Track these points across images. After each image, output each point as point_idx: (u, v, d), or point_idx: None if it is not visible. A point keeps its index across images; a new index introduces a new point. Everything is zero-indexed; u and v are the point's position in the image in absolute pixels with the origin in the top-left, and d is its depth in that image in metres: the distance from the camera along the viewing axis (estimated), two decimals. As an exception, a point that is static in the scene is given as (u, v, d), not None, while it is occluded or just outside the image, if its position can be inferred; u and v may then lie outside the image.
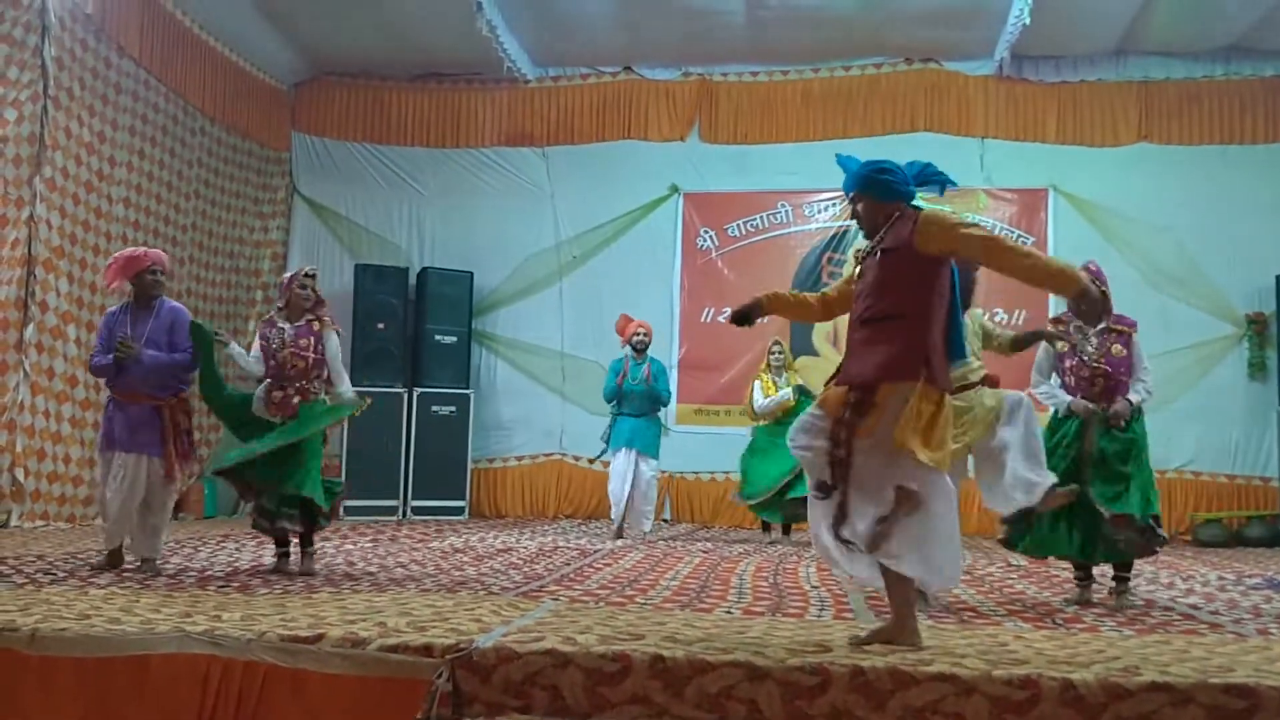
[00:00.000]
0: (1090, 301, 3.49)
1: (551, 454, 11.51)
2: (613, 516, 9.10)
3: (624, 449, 8.96)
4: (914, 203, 3.84)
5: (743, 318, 4.25)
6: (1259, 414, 10.27)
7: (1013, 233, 10.97)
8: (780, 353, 9.16)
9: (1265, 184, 10.52)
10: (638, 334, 9.15)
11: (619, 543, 8.50)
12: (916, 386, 3.55)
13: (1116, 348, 5.45)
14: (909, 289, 3.65)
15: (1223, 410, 10.33)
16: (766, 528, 9.22)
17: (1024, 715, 2.99)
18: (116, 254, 6.00)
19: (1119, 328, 5.51)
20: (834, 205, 11.40)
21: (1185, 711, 2.95)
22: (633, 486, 8.92)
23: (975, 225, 3.67)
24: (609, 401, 9.14)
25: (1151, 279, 10.37)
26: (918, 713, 3.03)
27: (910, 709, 3.04)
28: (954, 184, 3.96)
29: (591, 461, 11.17)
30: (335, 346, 5.95)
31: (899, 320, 3.63)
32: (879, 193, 3.81)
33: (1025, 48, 10.45)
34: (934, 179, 3.89)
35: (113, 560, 5.69)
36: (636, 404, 9.04)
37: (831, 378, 3.83)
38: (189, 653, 3.45)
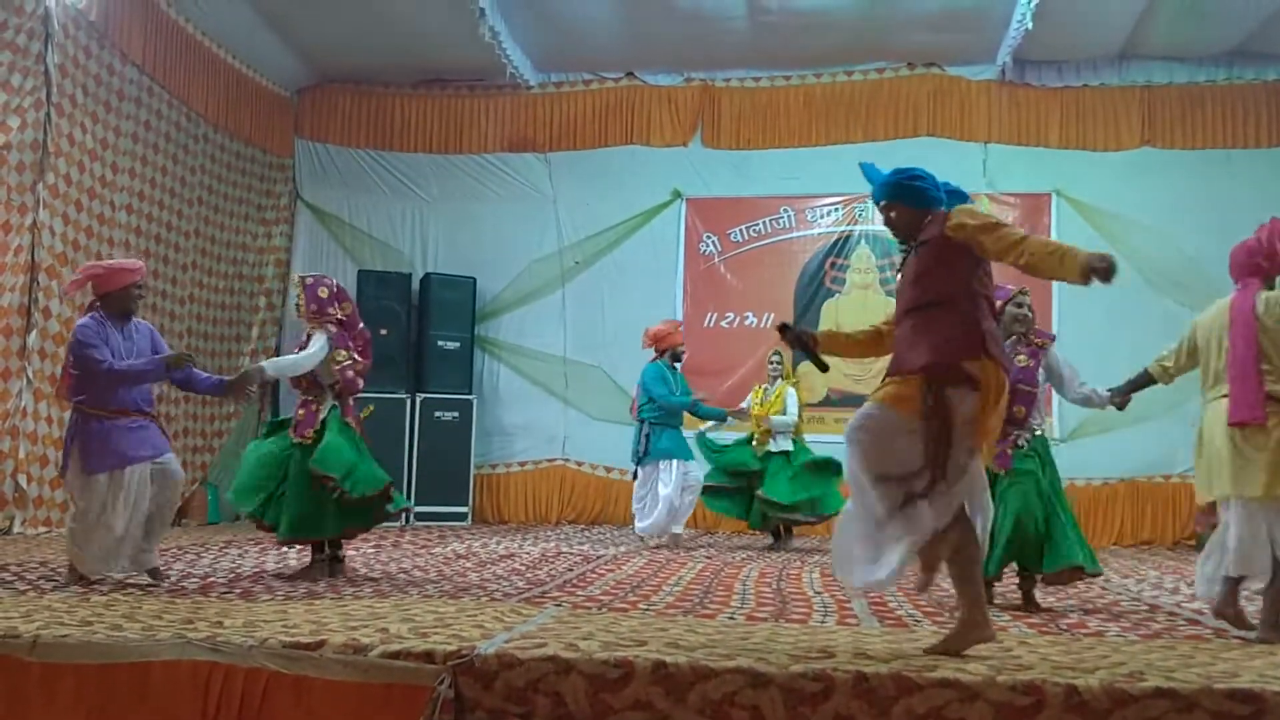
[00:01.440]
0: (1101, 272, 3.34)
1: (554, 460, 11.50)
2: (672, 529, 8.87)
3: (678, 460, 8.80)
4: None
5: (793, 338, 4.11)
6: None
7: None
8: (779, 363, 9.20)
9: (1268, 188, 10.47)
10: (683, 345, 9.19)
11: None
12: (986, 365, 3.55)
13: (1021, 358, 5.40)
14: (949, 276, 3.67)
15: (1228, 415, 10.27)
16: (777, 536, 9.16)
17: (1028, 721, 2.98)
18: (104, 262, 5.79)
19: (1035, 340, 5.49)
20: (837, 210, 11.41)
21: (1190, 717, 2.94)
22: (684, 493, 8.82)
23: (1007, 224, 3.69)
24: (668, 411, 8.89)
25: (1155, 283, 10.35)
26: (921, 719, 3.02)
27: (914, 715, 3.03)
28: (968, 199, 3.97)
29: (603, 469, 11.27)
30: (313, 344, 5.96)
31: (944, 306, 3.64)
32: (912, 199, 3.83)
33: (1028, 52, 10.45)
34: (954, 196, 3.89)
35: (84, 580, 5.34)
36: (679, 415, 9.01)
37: (888, 374, 3.76)
38: (190, 660, 3.44)
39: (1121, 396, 5.38)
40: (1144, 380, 5.34)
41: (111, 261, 5.89)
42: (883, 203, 3.89)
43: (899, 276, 3.87)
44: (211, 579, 5.68)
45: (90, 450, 5.32)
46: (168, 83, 9.74)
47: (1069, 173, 10.93)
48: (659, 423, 8.84)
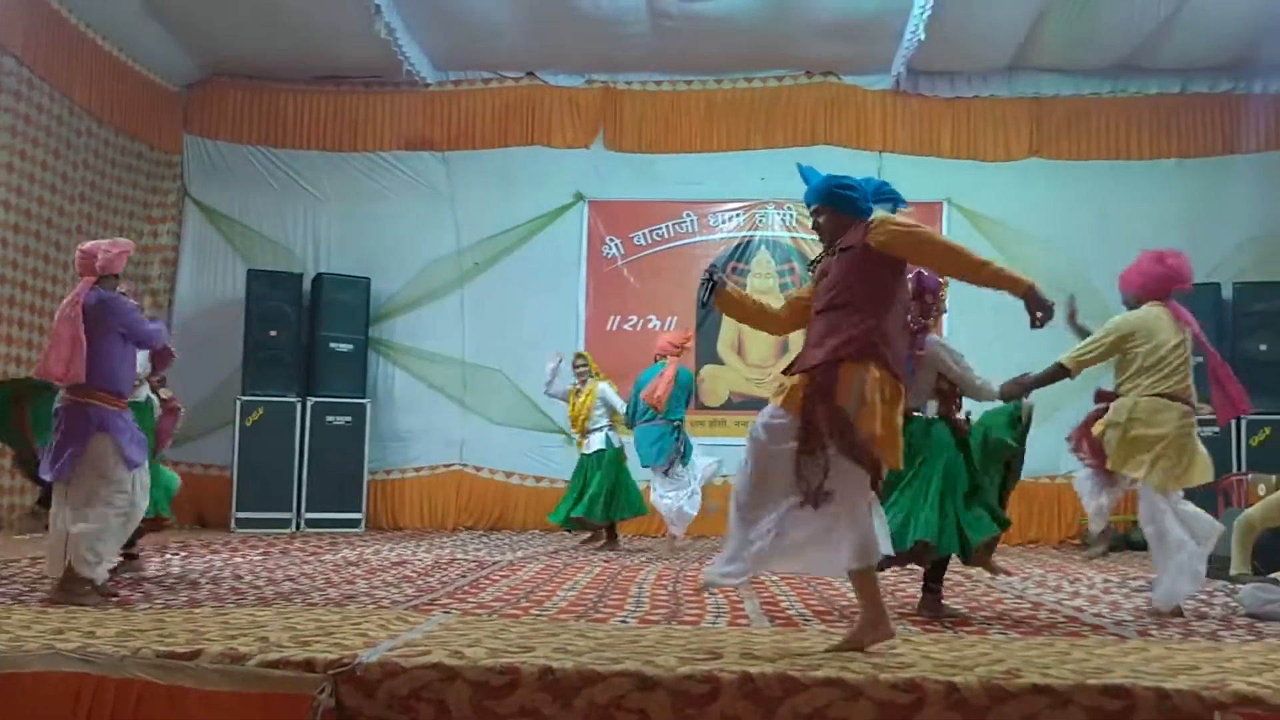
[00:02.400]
0: (1040, 303, 3.60)
1: (452, 465, 11.36)
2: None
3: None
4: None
5: (706, 299, 4.23)
6: (1144, 422, 10.57)
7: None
8: (584, 364, 9.28)
9: (1150, 199, 10.86)
10: None
11: None
12: (873, 369, 3.63)
13: None
14: (862, 283, 3.75)
15: (1110, 417, 10.60)
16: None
17: (909, 719, 3.01)
18: (117, 240, 5.61)
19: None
20: (738, 215, 11.51)
21: (1065, 713, 3.00)
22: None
23: (928, 230, 3.83)
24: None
25: (1044, 290, 10.61)
26: (806, 718, 3.03)
27: (799, 714, 3.04)
28: (903, 203, 4.04)
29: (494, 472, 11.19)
30: None
31: (851, 308, 3.72)
32: (841, 206, 3.91)
33: (921, 63, 10.66)
34: (889, 197, 3.98)
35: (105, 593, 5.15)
36: None
37: (786, 370, 3.89)
38: (60, 671, 3.30)
39: (1024, 391, 5.46)
40: (1057, 374, 5.53)
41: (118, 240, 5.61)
42: (813, 206, 3.97)
43: (816, 276, 3.96)
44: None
45: (135, 436, 5.18)
46: (49, 75, 9.40)
47: (960, 182, 11.18)
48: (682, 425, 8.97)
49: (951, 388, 5.23)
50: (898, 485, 5.09)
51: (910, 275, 5.24)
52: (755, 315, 4.29)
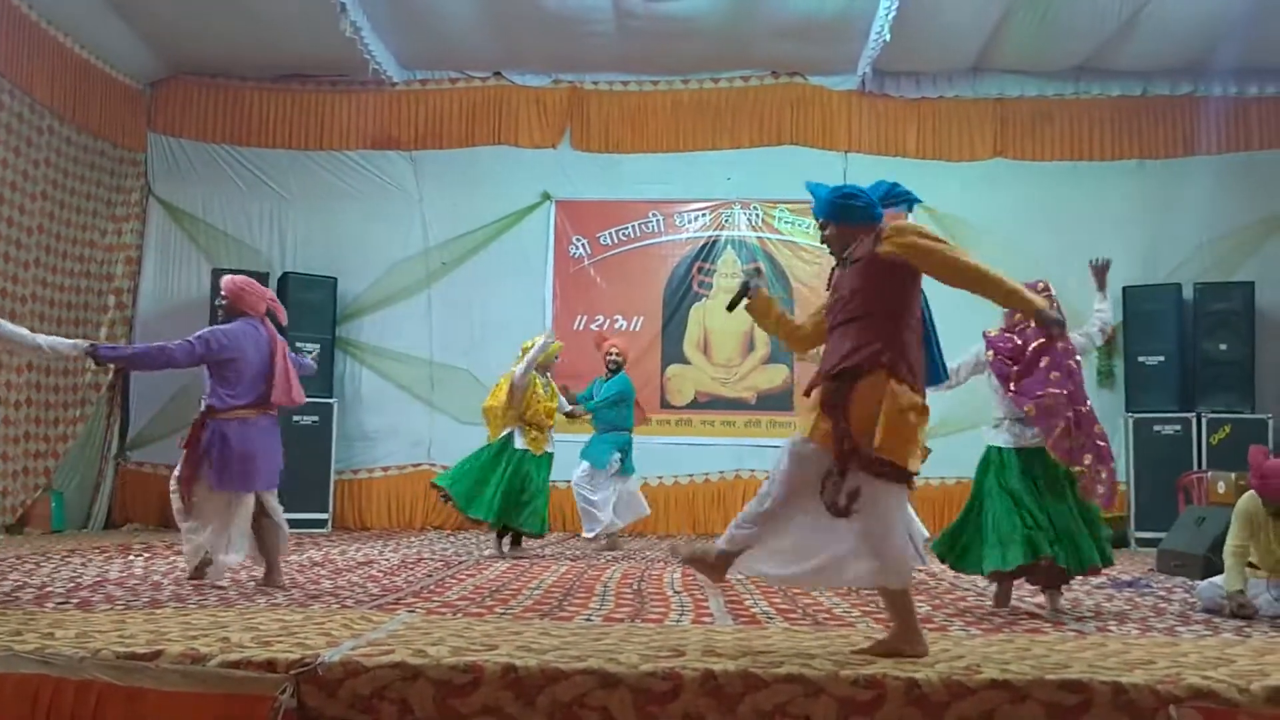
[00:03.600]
0: (1049, 321, 3.63)
1: (419, 464, 11.32)
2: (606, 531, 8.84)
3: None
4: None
5: (734, 303, 4.22)
6: (1107, 420, 10.48)
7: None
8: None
9: (1112, 199, 10.99)
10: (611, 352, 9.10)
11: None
12: (888, 380, 3.58)
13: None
14: (876, 293, 3.70)
15: (1073, 416, 10.70)
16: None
17: (870, 715, 3.04)
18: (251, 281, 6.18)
19: None
20: (704, 215, 11.53)
21: (1023, 708, 3.03)
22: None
23: (938, 238, 3.75)
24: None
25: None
26: (767, 715, 3.05)
27: (760, 712, 3.06)
28: (919, 200, 4.05)
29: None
30: None
31: (866, 319, 3.68)
32: (846, 217, 3.87)
33: (886, 64, 10.73)
34: (901, 198, 3.95)
35: None
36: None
37: (807, 389, 3.85)
38: (17, 673, 3.27)
39: None
40: None
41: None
42: (820, 219, 3.94)
43: (830, 289, 3.92)
44: (49, 589, 5.43)
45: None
46: (9, 71, 9.28)
47: (925, 182, 11.01)
48: (622, 427, 9.00)
49: None
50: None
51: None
52: (780, 327, 4.28)
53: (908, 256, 3.66)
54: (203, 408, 5.83)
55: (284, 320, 6.36)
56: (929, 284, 3.72)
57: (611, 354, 9.06)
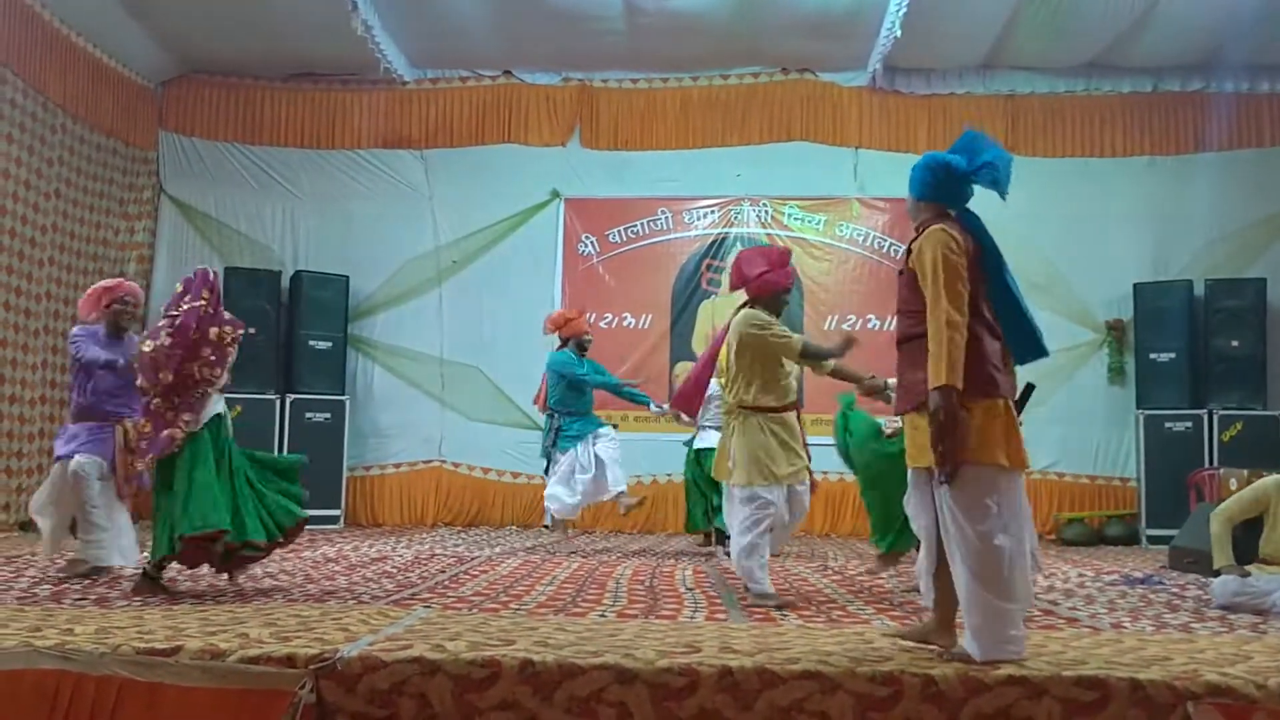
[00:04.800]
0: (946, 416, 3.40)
1: (430, 461, 11.35)
2: (616, 491, 8.65)
3: (590, 436, 8.71)
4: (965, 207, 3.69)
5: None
6: (1118, 417, 10.68)
7: (885, 241, 11.23)
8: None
9: (1123, 196, 10.96)
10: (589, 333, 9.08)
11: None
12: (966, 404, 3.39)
13: None
14: (922, 308, 3.51)
15: (1084, 414, 10.72)
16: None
17: (887, 712, 3.05)
18: (92, 287, 6.23)
19: None
20: (713, 212, 11.53)
21: (1040, 704, 3.04)
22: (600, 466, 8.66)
23: (947, 271, 3.45)
24: (588, 392, 8.85)
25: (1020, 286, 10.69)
26: (784, 712, 3.07)
27: (777, 708, 3.07)
28: (1005, 193, 3.69)
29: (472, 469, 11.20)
30: None
31: (921, 340, 3.48)
32: (913, 188, 3.76)
33: (897, 60, 10.72)
34: (986, 177, 3.67)
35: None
36: (590, 401, 8.94)
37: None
38: (37, 668, 3.30)
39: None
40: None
41: (101, 282, 6.39)
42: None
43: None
44: (66, 586, 5.46)
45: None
46: (22, 71, 9.32)
47: None
48: (570, 412, 8.75)
49: None
50: None
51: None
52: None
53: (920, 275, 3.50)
54: None
55: None
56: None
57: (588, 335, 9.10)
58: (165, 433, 5.13)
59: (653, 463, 10.75)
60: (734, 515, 5.46)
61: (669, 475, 10.58)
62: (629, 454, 9.29)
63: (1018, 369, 3.63)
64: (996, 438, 3.40)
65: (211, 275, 5.62)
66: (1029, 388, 3.61)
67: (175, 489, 5.09)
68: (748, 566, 5.27)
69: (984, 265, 3.57)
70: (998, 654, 3.26)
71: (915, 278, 3.56)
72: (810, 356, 5.53)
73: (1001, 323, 3.55)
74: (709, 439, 8.69)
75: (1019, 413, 3.60)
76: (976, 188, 3.71)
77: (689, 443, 8.92)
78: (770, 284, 5.53)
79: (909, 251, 3.65)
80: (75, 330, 6.40)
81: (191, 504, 5.00)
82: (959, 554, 3.40)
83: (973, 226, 3.66)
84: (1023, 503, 3.54)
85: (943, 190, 3.70)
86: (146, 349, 5.21)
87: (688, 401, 6.00)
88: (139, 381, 5.32)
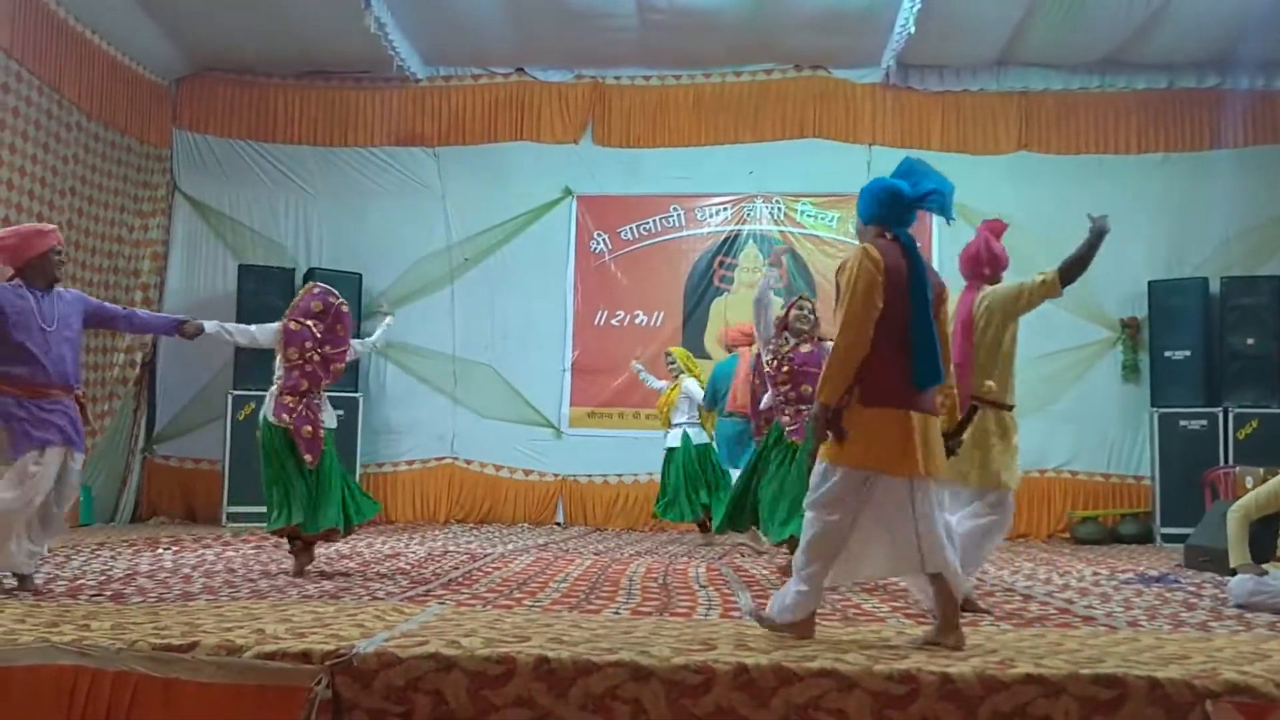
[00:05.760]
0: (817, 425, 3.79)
1: (443, 458, 11.37)
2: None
3: None
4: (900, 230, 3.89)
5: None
6: (1132, 415, 10.63)
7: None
8: (674, 361, 9.49)
9: (1137, 193, 10.90)
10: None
11: None
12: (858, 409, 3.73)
13: (806, 346, 6.42)
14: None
15: (1098, 412, 10.67)
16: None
17: (904, 710, 3.04)
18: (11, 229, 5.42)
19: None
20: (725, 210, 11.51)
21: (1058, 702, 3.03)
22: None
23: (860, 290, 3.69)
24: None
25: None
26: (800, 709, 3.06)
27: (793, 706, 3.06)
28: (950, 218, 3.94)
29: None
30: None
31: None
32: (860, 212, 4.01)
33: (910, 57, 10.68)
34: (933, 204, 3.91)
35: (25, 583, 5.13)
36: None
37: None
38: (54, 664, 3.31)
39: None
40: None
41: (23, 225, 5.48)
42: None
43: None
44: (81, 581, 5.48)
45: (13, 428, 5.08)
46: (37, 69, 9.34)
47: (949, 175, 10.95)
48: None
49: None
50: None
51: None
52: None
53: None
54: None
55: None
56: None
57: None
58: None
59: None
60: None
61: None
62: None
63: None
64: (889, 444, 3.69)
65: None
66: (973, 409, 4.04)
67: None
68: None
69: (910, 287, 3.76)
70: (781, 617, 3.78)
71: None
72: None
73: (913, 342, 3.75)
74: (677, 438, 9.17)
75: (961, 432, 4.28)
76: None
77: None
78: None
79: (840, 267, 3.89)
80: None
81: None
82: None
83: (908, 249, 3.84)
84: (933, 503, 3.77)
85: (888, 214, 3.91)
86: None
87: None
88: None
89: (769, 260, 5.70)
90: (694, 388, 9.20)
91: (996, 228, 5.33)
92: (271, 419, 6.05)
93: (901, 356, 3.73)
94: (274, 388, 6.17)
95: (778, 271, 8.24)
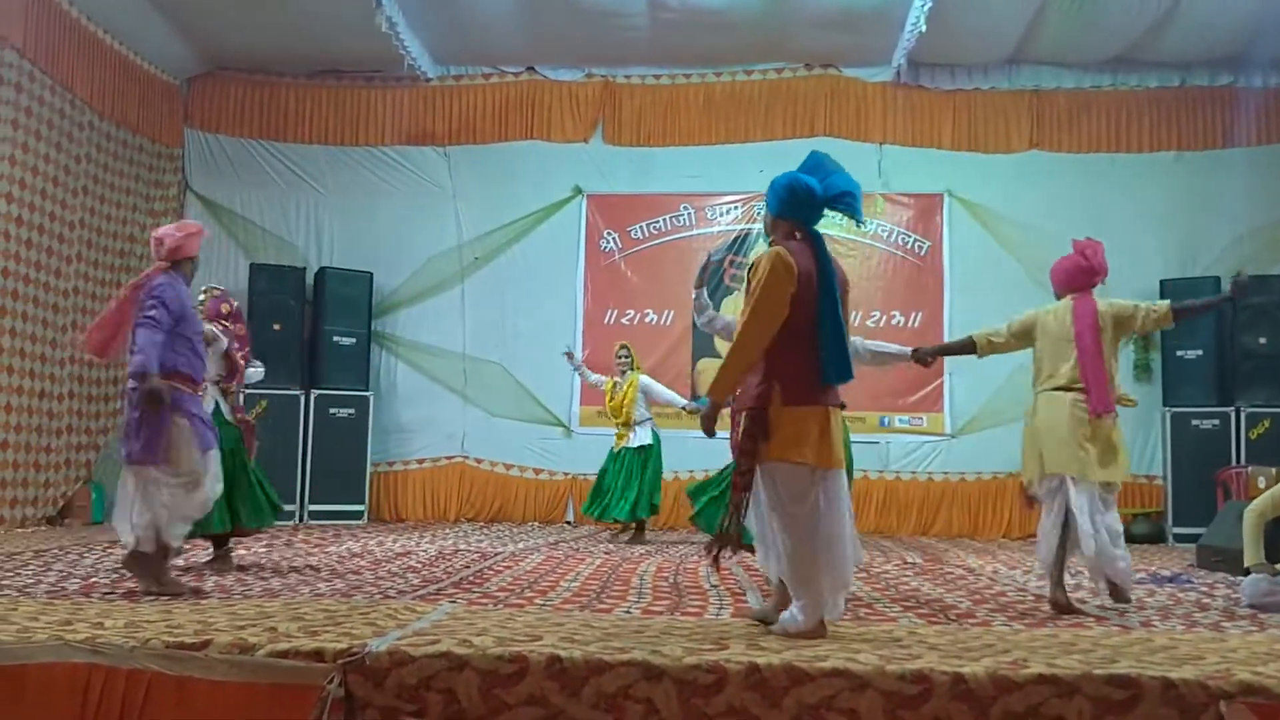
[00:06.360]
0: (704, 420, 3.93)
1: (453, 457, 11.39)
2: None
3: None
4: (815, 228, 3.98)
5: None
6: (1144, 415, 10.58)
7: (909, 237, 11.19)
8: (626, 356, 9.39)
9: (1149, 192, 10.88)
10: None
11: None
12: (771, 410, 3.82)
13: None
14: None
15: (1110, 411, 10.62)
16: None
17: (917, 710, 3.03)
18: (184, 224, 5.50)
19: None
20: (736, 208, 11.50)
21: (1071, 702, 3.01)
22: None
23: (766, 294, 3.77)
24: None
25: (1042, 282, 10.47)
26: (813, 709, 3.05)
27: (805, 705, 3.05)
28: (860, 220, 4.04)
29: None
30: None
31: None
32: (770, 206, 4.04)
33: (921, 56, 10.65)
34: (845, 207, 3.94)
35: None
36: None
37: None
38: (68, 662, 3.31)
39: (932, 356, 5.58)
40: (966, 347, 5.63)
41: (186, 225, 5.52)
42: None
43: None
44: (94, 580, 5.50)
45: (197, 427, 5.15)
46: (50, 68, 9.39)
47: (960, 174, 11.18)
48: None
49: None
50: None
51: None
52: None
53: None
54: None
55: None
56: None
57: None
58: None
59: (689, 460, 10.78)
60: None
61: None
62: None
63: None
64: (806, 440, 3.78)
65: None
66: (841, 406, 4.05)
67: None
68: None
69: (819, 286, 3.83)
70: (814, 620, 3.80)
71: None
72: None
73: (822, 341, 3.83)
74: (645, 436, 9.13)
75: None
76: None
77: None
78: None
79: (751, 265, 3.94)
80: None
81: None
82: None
83: (817, 248, 3.91)
84: (836, 494, 3.89)
85: (800, 210, 3.95)
86: None
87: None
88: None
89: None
90: (654, 383, 9.21)
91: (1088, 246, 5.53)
92: (229, 417, 6.10)
93: (815, 355, 3.82)
94: (213, 387, 6.13)
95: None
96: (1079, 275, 5.41)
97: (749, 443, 3.82)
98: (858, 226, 4.05)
